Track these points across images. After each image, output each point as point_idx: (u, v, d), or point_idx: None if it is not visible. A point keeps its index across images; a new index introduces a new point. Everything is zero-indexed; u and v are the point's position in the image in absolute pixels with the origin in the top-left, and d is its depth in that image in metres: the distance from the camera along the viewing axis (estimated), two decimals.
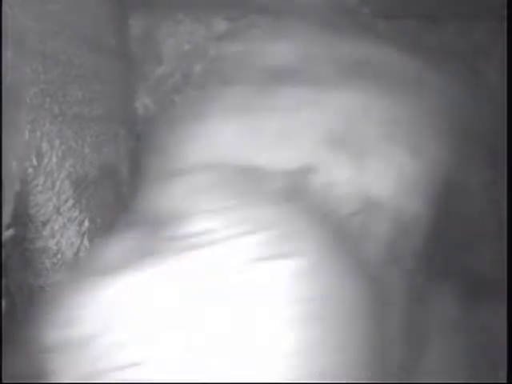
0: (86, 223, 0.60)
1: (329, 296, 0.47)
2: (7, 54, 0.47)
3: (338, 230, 0.54)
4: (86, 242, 0.59)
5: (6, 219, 0.48)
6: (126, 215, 0.64)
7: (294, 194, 0.55)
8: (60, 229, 0.56)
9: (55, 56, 0.56)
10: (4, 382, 0.44)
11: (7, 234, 0.48)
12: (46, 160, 0.54)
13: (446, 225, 0.63)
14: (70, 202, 0.58)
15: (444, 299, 0.56)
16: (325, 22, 0.80)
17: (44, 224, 0.54)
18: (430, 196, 0.69)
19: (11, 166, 0.49)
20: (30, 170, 0.52)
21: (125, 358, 0.46)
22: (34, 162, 0.52)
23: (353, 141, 0.65)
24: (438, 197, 0.73)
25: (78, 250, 0.58)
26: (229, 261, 0.48)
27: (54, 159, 0.56)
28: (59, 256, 0.55)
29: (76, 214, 0.58)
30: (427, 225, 0.63)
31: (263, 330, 0.46)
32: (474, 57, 0.79)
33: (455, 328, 0.58)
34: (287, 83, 0.76)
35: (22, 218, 0.52)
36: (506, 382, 0.46)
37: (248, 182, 0.57)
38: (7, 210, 0.49)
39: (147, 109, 0.83)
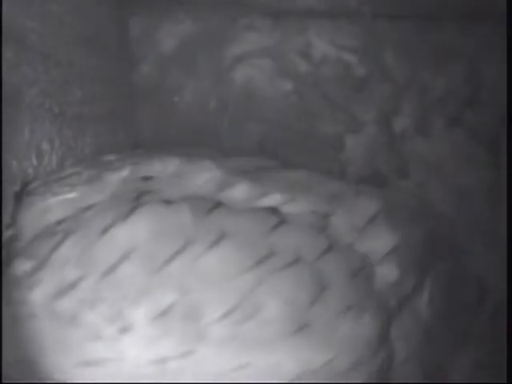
0: None
1: None
2: (7, 54, 0.47)
3: None
4: None
5: (6, 219, 0.48)
6: None
7: None
8: None
9: (55, 56, 0.56)
10: (4, 382, 0.44)
11: (7, 233, 0.48)
12: (45, 160, 0.54)
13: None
14: None
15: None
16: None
17: None
18: None
19: (11, 166, 0.49)
20: (30, 170, 0.52)
21: None
22: (34, 162, 0.52)
23: None
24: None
25: None
26: None
27: (54, 159, 0.56)
28: None
29: None
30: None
31: None
32: (474, 57, 0.79)
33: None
34: None
35: None
36: (506, 382, 0.46)
37: None
38: (7, 209, 0.49)
39: (147, 108, 0.83)
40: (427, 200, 0.75)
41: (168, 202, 0.50)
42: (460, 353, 0.55)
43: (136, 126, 0.82)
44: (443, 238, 0.59)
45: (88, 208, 0.50)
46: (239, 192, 0.52)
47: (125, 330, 0.45)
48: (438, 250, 0.57)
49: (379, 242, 0.53)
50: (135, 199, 0.50)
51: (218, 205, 0.50)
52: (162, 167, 0.54)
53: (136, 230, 0.48)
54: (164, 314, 0.45)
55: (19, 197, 0.50)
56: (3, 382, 0.44)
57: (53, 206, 0.50)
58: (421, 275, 0.53)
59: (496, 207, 0.76)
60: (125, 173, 0.53)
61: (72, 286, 0.46)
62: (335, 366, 0.47)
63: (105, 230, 0.48)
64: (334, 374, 0.47)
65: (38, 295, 0.46)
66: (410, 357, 0.50)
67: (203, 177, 0.53)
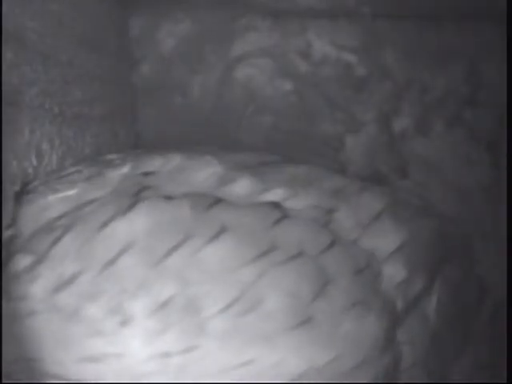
0: None
1: None
2: (7, 54, 0.47)
3: None
4: None
5: (6, 219, 0.48)
6: None
7: None
8: None
9: (55, 56, 0.56)
10: (4, 382, 0.44)
11: (7, 233, 0.48)
12: (45, 160, 0.54)
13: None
14: None
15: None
16: None
17: None
18: None
19: (11, 166, 0.49)
20: (30, 170, 0.52)
21: None
22: (34, 162, 0.52)
23: None
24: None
25: None
26: None
27: (54, 159, 0.56)
28: None
29: None
30: None
31: None
32: (474, 57, 0.79)
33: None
34: None
35: None
36: (506, 382, 0.46)
37: None
38: (7, 209, 0.49)
39: (147, 108, 0.83)
40: (427, 200, 0.75)
41: (168, 198, 0.50)
42: (460, 353, 0.55)
43: (136, 125, 0.82)
44: (450, 238, 0.59)
45: (88, 203, 0.50)
46: (241, 187, 0.52)
47: (125, 323, 0.45)
48: (446, 251, 0.57)
49: (385, 239, 0.52)
50: (135, 194, 0.50)
51: (218, 200, 0.50)
52: (163, 163, 0.54)
53: (135, 224, 0.48)
54: (164, 306, 0.45)
55: (19, 197, 0.50)
56: (3, 382, 0.44)
57: (53, 202, 0.50)
58: (429, 277, 0.53)
59: (496, 207, 0.76)
60: (126, 169, 0.53)
61: (71, 279, 0.46)
62: (339, 364, 0.47)
63: (104, 225, 0.47)
64: (339, 373, 0.47)
65: (37, 289, 0.46)
66: (417, 362, 0.50)
67: (204, 172, 0.53)
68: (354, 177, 0.76)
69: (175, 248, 0.47)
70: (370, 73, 0.80)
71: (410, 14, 0.78)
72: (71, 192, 0.51)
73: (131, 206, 0.48)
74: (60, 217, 0.49)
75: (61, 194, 0.50)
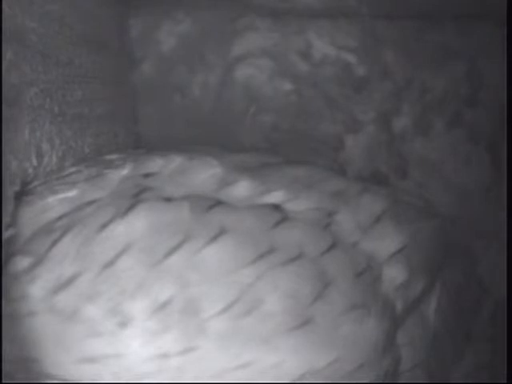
0: None
1: None
2: (7, 54, 0.47)
3: None
4: None
5: (6, 219, 0.48)
6: None
7: None
8: None
9: (55, 56, 0.56)
10: (4, 382, 0.44)
11: (7, 233, 0.48)
12: (45, 160, 0.54)
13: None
14: None
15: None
16: None
17: None
18: None
19: (11, 166, 0.49)
20: (30, 170, 0.52)
21: None
22: (34, 162, 0.52)
23: None
24: None
25: None
26: None
27: (54, 159, 0.56)
28: None
29: None
30: None
31: None
32: (474, 57, 0.79)
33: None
34: None
35: None
36: (506, 382, 0.46)
37: None
38: (7, 209, 0.49)
39: (147, 108, 0.83)
40: (427, 200, 0.75)
41: (168, 200, 0.50)
42: (461, 354, 0.55)
43: (136, 125, 0.82)
44: (450, 239, 0.59)
45: (87, 204, 0.50)
46: (241, 189, 0.52)
47: (124, 324, 0.45)
48: (446, 252, 0.57)
49: (385, 241, 0.52)
50: (135, 196, 0.50)
51: (218, 202, 0.50)
52: (164, 164, 0.54)
53: (135, 226, 0.48)
54: (163, 307, 0.45)
55: (19, 197, 0.50)
56: (3, 382, 0.44)
57: (52, 203, 0.50)
58: (430, 279, 0.53)
59: (496, 207, 0.76)
60: (126, 170, 0.53)
61: (71, 280, 0.46)
62: (339, 367, 0.47)
63: (103, 226, 0.48)
64: (339, 375, 0.47)
65: (37, 290, 0.46)
66: (417, 364, 0.50)
67: (205, 174, 0.53)
68: (354, 177, 0.76)
69: (174, 249, 0.47)
70: (369, 73, 0.81)
71: (409, 14, 0.78)
72: (71, 193, 0.51)
73: (131, 208, 0.48)
74: (59, 218, 0.49)
75: (60, 195, 0.51)
